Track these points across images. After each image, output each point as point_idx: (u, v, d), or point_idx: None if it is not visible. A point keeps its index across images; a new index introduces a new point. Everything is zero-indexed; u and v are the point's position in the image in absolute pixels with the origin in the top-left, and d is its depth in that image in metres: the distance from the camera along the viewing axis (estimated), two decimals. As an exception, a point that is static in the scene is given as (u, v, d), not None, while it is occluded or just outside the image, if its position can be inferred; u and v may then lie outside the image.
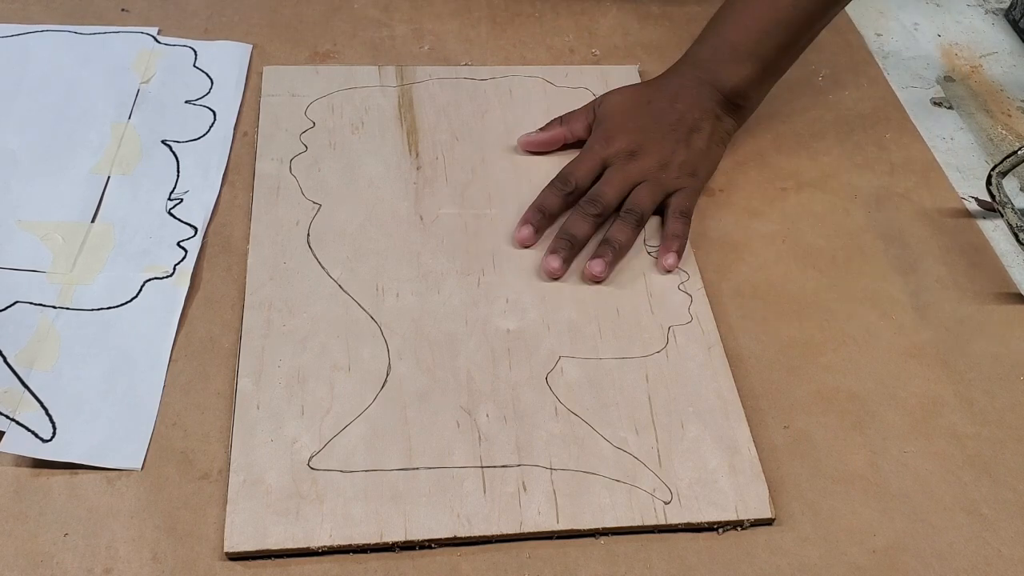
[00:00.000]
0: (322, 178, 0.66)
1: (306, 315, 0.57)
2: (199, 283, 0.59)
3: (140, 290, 0.58)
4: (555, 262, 0.60)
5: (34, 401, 0.52)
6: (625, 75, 0.75)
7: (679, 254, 0.62)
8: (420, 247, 0.62)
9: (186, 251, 0.60)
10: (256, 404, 0.53)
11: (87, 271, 0.59)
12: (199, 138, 0.68)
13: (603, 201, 0.63)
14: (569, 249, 0.61)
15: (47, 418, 0.51)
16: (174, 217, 0.62)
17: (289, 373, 0.54)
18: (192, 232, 0.61)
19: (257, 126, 0.69)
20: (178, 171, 0.65)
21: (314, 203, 0.64)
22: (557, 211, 0.63)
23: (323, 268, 0.60)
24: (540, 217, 0.63)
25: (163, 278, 0.59)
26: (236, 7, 0.79)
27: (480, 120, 0.71)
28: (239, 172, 0.66)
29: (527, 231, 0.62)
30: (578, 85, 0.74)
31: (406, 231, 0.63)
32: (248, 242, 0.61)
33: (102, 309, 0.57)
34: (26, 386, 0.52)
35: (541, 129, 0.69)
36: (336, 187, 0.65)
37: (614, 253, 0.61)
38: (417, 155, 0.68)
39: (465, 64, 0.76)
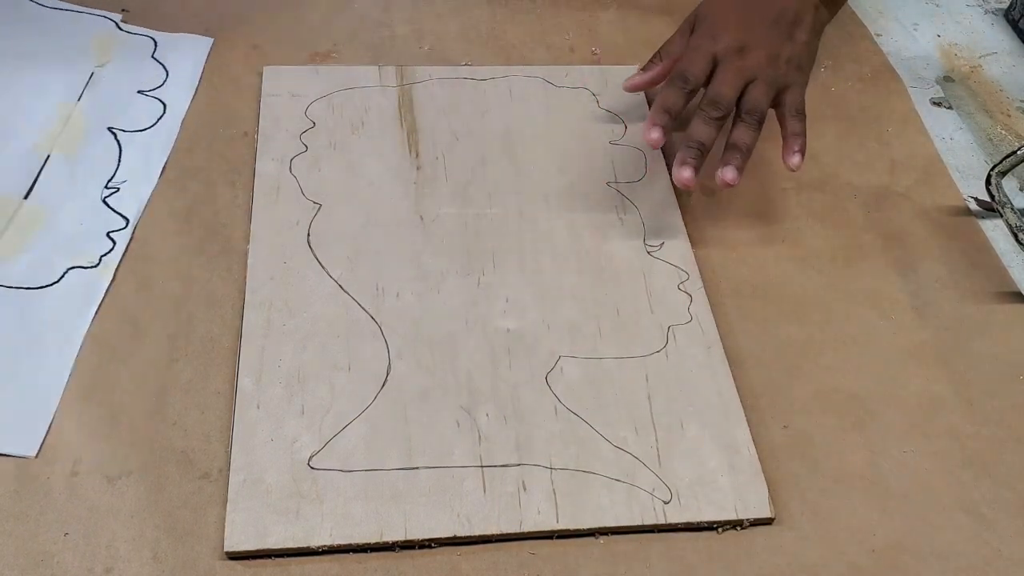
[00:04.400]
0: (322, 178, 0.66)
1: (306, 315, 0.57)
2: (198, 280, 0.59)
3: (62, 276, 0.57)
4: (687, 172, 0.60)
5: None
6: (626, 75, 0.75)
7: (803, 152, 0.62)
8: (420, 247, 0.62)
9: (115, 243, 0.60)
10: (256, 404, 0.53)
11: (10, 248, 0.58)
12: (145, 129, 0.67)
13: (724, 102, 0.62)
14: (699, 157, 0.61)
15: None
16: (108, 206, 0.61)
17: (289, 373, 0.54)
18: (123, 224, 0.61)
19: (257, 126, 0.69)
20: (119, 160, 0.65)
21: (314, 203, 0.64)
22: (681, 109, 0.63)
23: (323, 268, 0.60)
24: (667, 118, 0.62)
25: (87, 268, 0.58)
26: (236, 7, 0.79)
27: (480, 120, 0.71)
28: (239, 172, 0.66)
29: (657, 133, 0.61)
30: (578, 85, 0.74)
31: (406, 231, 0.63)
32: (248, 242, 0.61)
33: (20, 288, 0.56)
34: None
35: (643, 68, 0.70)
36: (336, 187, 0.65)
37: (743, 157, 0.61)
38: (417, 155, 0.68)
39: (465, 64, 0.76)
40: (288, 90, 0.72)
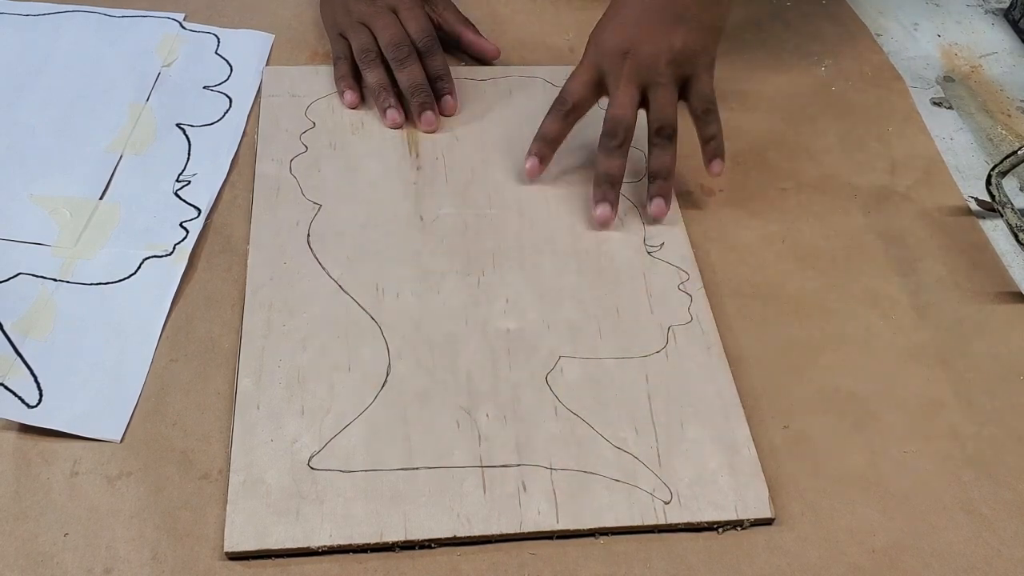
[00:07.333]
0: (322, 178, 0.66)
1: (306, 315, 0.57)
2: (198, 279, 0.59)
3: (139, 267, 0.59)
4: (602, 209, 0.60)
5: (24, 368, 0.53)
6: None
7: (722, 157, 0.61)
8: (420, 247, 0.62)
9: (187, 231, 0.61)
10: (256, 404, 0.53)
11: (90, 246, 0.60)
12: (213, 123, 0.69)
13: (621, 129, 0.60)
14: (612, 190, 0.60)
15: (35, 385, 0.53)
16: (180, 198, 0.63)
17: (289, 373, 0.54)
18: (195, 213, 0.62)
19: (257, 126, 0.69)
20: (189, 154, 0.67)
21: (314, 203, 0.64)
22: (561, 134, 0.62)
23: (323, 268, 0.60)
24: (544, 146, 0.62)
25: (162, 256, 0.60)
26: (236, 7, 0.79)
27: (480, 120, 0.71)
28: (240, 172, 0.66)
29: (531, 163, 0.62)
30: (578, 85, 0.74)
31: (406, 231, 0.63)
32: (248, 242, 0.61)
33: (100, 284, 0.58)
34: (19, 354, 0.54)
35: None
36: (336, 187, 0.65)
37: (667, 183, 0.61)
38: (417, 155, 0.68)
39: (465, 64, 0.76)
40: (288, 90, 0.72)
